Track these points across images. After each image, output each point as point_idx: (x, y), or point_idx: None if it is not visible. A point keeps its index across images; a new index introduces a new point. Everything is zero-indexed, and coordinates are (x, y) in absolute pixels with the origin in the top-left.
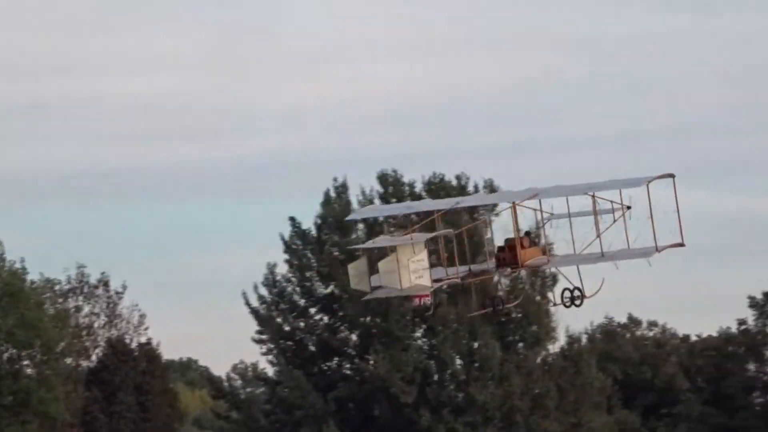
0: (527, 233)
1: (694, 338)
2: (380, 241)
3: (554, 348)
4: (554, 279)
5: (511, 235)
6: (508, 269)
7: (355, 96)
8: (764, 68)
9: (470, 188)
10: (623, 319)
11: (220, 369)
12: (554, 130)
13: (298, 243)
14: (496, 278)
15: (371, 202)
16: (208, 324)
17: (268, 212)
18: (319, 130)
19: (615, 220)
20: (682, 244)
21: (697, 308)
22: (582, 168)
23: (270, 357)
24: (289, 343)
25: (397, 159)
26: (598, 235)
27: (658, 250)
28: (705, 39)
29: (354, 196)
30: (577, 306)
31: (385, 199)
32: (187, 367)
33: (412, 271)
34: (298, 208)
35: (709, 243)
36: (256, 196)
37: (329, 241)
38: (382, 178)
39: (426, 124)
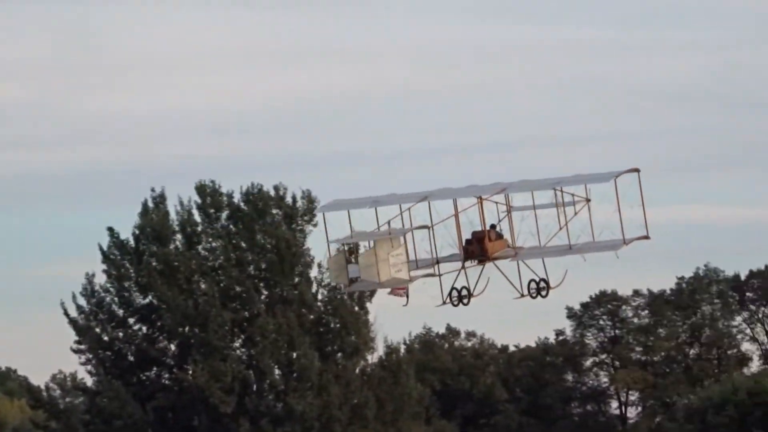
0: (492, 226)
1: (512, 348)
2: (359, 235)
3: (373, 358)
4: (372, 292)
5: (478, 228)
6: (476, 261)
7: (175, 106)
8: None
9: (288, 199)
10: (442, 330)
11: (39, 379)
12: (369, 142)
13: (116, 253)
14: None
15: (189, 212)
16: (26, 334)
17: (86, 222)
18: (138, 139)
19: (576, 213)
20: (647, 237)
21: (516, 318)
22: (393, 181)
23: (89, 367)
24: (108, 353)
25: (217, 169)
26: (561, 227)
27: (625, 243)
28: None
29: (172, 206)
30: (543, 297)
31: (203, 209)
32: (5, 376)
33: (392, 264)
34: (117, 218)
35: None
36: (75, 206)
37: (147, 252)
38: (200, 189)
39: (246, 134)
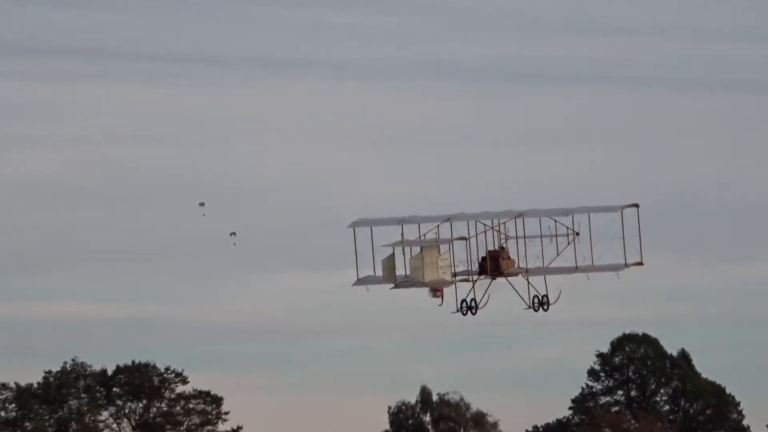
0: (502, 247)
1: None
2: (409, 242)
3: None
4: None
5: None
6: (489, 277)
7: None
8: None
9: None
10: None
11: None
12: None
13: None
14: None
15: None
16: None
17: None
18: None
19: (569, 243)
20: (641, 263)
21: None
22: None
23: None
24: None
25: None
26: (559, 253)
27: (627, 265)
28: None
29: None
30: (545, 310)
31: None
32: None
33: (440, 267)
34: None
35: None
36: None
37: None
38: None
39: None
